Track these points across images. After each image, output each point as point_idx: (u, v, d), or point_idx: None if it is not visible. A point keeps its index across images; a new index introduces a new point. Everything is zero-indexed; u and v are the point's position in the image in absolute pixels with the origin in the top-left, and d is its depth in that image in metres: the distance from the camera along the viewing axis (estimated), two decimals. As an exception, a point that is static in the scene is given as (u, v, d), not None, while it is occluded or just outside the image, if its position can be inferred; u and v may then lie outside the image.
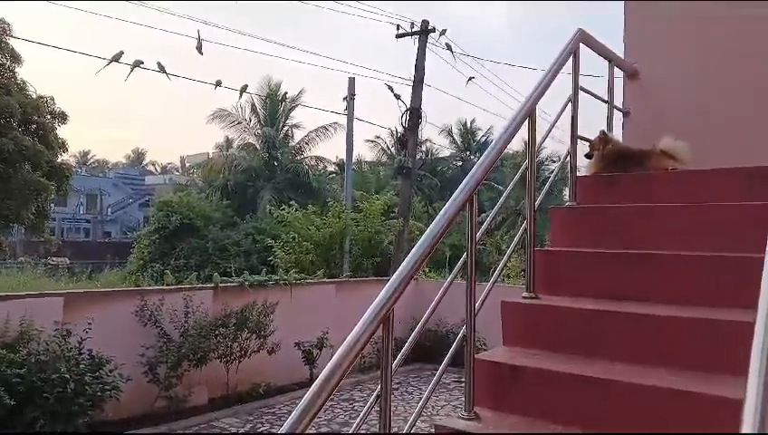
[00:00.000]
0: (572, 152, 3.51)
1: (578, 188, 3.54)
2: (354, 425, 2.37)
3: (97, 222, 43.95)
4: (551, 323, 2.73)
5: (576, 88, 3.50)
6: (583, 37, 3.55)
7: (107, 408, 5.92)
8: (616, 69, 4.16)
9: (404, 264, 2.12)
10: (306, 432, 1.63)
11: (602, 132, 3.75)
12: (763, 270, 1.49)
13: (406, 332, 3.67)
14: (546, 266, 2.99)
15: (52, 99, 13.00)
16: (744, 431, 1.05)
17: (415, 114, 14.29)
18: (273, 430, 6.52)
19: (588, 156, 3.71)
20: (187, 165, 50.35)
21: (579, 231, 3.31)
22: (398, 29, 14.79)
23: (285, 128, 25.86)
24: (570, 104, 3.47)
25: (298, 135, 26.09)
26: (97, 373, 5.76)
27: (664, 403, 2.09)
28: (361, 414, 2.23)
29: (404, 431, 2.45)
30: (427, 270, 12.54)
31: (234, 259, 17.36)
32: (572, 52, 3.39)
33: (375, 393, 2.06)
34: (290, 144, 25.87)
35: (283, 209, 12.40)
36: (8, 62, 12.47)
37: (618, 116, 4.29)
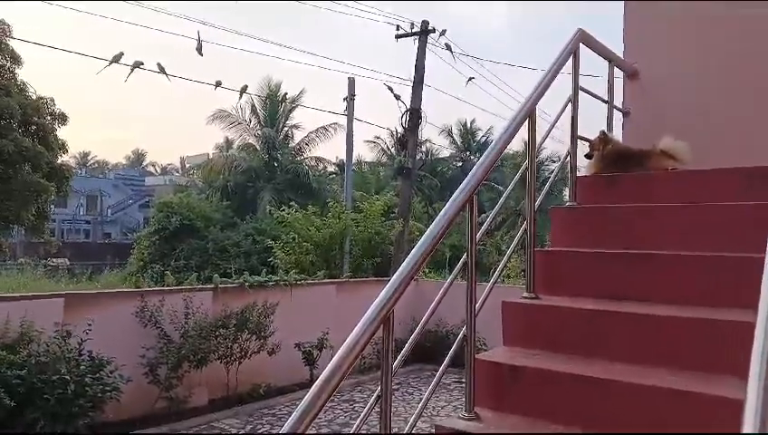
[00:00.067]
0: (572, 152, 3.51)
1: (578, 189, 3.54)
2: (355, 426, 2.37)
3: (97, 223, 43.95)
4: (551, 324, 2.73)
5: (576, 88, 3.50)
6: (583, 37, 3.55)
7: (107, 409, 5.91)
8: (616, 69, 4.16)
9: (404, 264, 2.12)
10: (307, 433, 1.63)
11: (602, 132, 3.75)
12: (764, 271, 1.49)
13: (406, 332, 3.67)
14: (546, 267, 2.99)
15: (53, 100, 13.04)
16: (745, 431, 1.06)
17: (415, 115, 14.29)
18: (274, 431, 6.52)
19: (588, 156, 3.71)
20: (187, 166, 50.36)
21: (579, 231, 3.31)
22: (397, 29, 14.79)
23: (285, 128, 25.88)
24: (570, 104, 3.47)
25: (298, 136, 26.17)
26: (97, 374, 5.75)
27: (664, 403, 2.09)
28: (362, 415, 2.23)
29: (404, 432, 2.45)
30: (427, 271, 12.55)
31: (234, 260, 17.38)
32: (572, 52, 3.40)
33: (375, 394, 2.06)
34: (290, 145, 25.89)
35: (283, 210, 12.40)
36: (8, 64, 12.49)
37: (618, 116, 4.30)
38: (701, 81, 4.20)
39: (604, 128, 3.91)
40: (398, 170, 15.31)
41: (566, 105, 3.47)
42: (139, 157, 67.11)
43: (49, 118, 12.89)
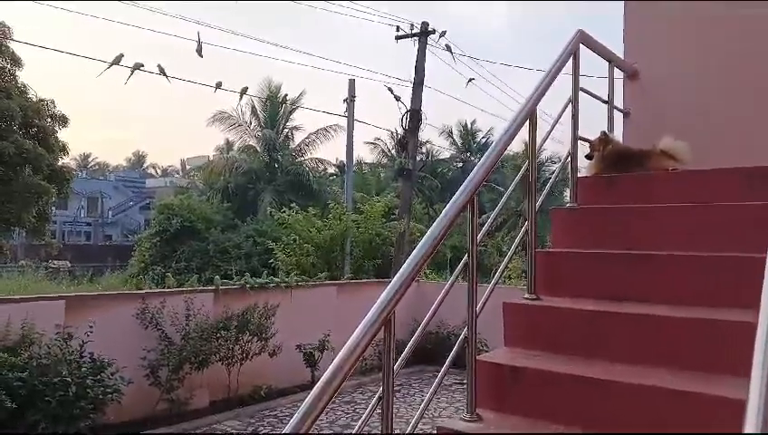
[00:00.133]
0: (573, 153, 3.51)
1: (578, 189, 3.53)
2: (356, 427, 2.37)
3: (98, 225, 43.95)
4: (552, 325, 2.73)
5: (576, 89, 3.50)
6: (583, 38, 3.55)
7: (108, 411, 5.92)
8: (616, 69, 4.17)
9: (405, 266, 2.12)
10: (309, 434, 1.63)
11: (603, 133, 3.75)
12: (765, 271, 1.49)
13: (407, 334, 3.66)
14: (547, 267, 3.00)
15: (53, 102, 13.04)
16: (746, 431, 1.06)
17: (415, 116, 14.29)
18: (275, 433, 6.52)
19: (588, 157, 3.71)
20: (188, 167, 50.40)
21: (579, 232, 3.31)
22: (397, 30, 14.80)
23: (286, 130, 25.90)
24: (570, 105, 3.47)
25: (298, 137, 26.18)
26: (98, 376, 5.76)
27: (664, 404, 2.09)
28: (363, 416, 2.23)
29: (406, 433, 2.45)
30: (428, 272, 12.55)
31: (235, 262, 17.37)
32: (572, 52, 3.40)
33: (377, 395, 2.06)
34: (290, 146, 25.89)
35: (284, 211, 12.42)
36: (8, 66, 12.50)
37: (618, 116, 4.30)
38: (701, 81, 4.20)
39: (604, 128, 3.91)
40: (399, 172, 15.31)
41: (566, 106, 3.47)
42: (139, 159, 67.17)
43: (49, 120, 12.90)
